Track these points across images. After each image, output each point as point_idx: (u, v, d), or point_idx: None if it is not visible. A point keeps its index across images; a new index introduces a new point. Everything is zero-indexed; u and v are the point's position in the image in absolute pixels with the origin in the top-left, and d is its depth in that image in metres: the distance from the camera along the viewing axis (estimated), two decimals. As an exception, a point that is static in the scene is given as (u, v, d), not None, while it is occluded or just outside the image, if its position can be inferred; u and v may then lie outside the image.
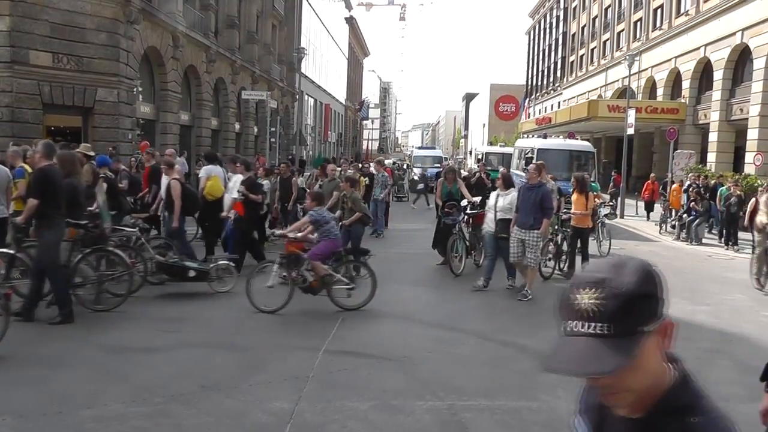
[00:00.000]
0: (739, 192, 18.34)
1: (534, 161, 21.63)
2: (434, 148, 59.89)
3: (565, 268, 12.96)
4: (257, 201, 12.31)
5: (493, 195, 11.79)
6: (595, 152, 24.61)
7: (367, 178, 18.55)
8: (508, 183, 11.59)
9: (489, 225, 11.43)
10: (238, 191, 12.02)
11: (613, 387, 1.42)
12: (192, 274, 9.98)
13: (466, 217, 13.00)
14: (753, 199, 17.11)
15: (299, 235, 9.57)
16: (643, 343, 1.37)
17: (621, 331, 1.34)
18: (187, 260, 10.36)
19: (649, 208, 26.32)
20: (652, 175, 27.83)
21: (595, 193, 20.88)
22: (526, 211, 10.60)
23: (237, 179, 12.53)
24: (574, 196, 13.33)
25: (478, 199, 18.87)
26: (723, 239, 19.02)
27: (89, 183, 10.01)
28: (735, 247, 18.12)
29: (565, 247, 13.24)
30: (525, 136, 50.45)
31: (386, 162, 56.44)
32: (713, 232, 20.82)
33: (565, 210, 13.80)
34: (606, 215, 16.41)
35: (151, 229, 12.15)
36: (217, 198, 12.83)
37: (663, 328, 1.43)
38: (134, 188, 13.42)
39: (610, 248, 15.78)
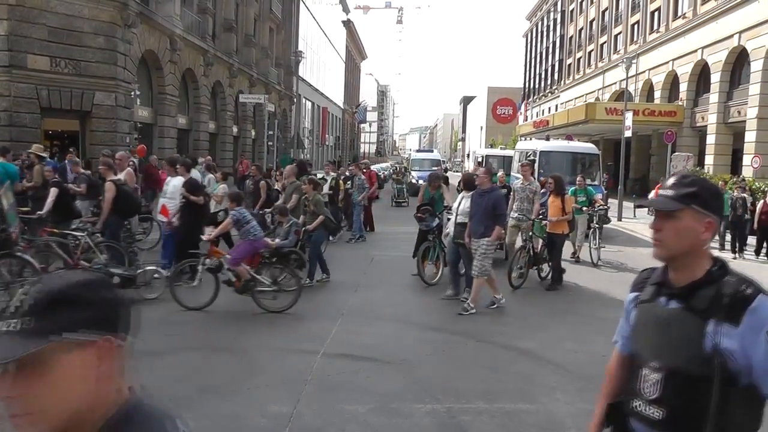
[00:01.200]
0: (744, 195, 17.69)
1: (537, 164, 21.10)
2: (432, 151, 59.32)
3: (548, 277, 12.24)
4: (198, 203, 11.46)
5: (458, 197, 11.33)
6: (600, 155, 23.37)
7: (349, 183, 18.27)
8: (469, 185, 10.83)
9: (449, 229, 11.14)
10: (180, 194, 11.54)
11: (11, 401, 1.23)
12: (116, 280, 9.33)
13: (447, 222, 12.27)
14: (762, 201, 17.03)
15: (212, 235, 9.66)
16: (58, 353, 1.23)
17: (29, 329, 1.22)
18: (113, 266, 9.85)
19: None
20: (662, 178, 26.19)
21: (599, 197, 20.61)
22: (478, 218, 9.89)
23: (176, 182, 11.96)
24: (549, 199, 12.53)
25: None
26: (730, 245, 17.88)
27: (37, 185, 9.94)
28: (741, 253, 17.45)
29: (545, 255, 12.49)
30: (522, 138, 50.33)
31: (384, 165, 56.60)
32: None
33: (540, 216, 12.87)
34: (598, 220, 15.51)
35: (102, 233, 11.66)
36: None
37: (99, 347, 1.30)
38: (94, 192, 12.76)
39: (599, 258, 15.03)
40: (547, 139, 25.82)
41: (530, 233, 12.50)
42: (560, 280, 12.07)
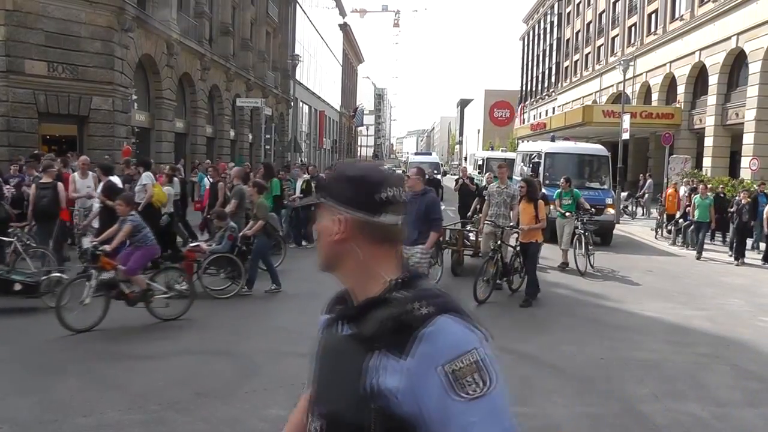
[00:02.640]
0: (749, 199, 17.27)
1: (542, 167, 20.45)
2: (430, 154, 58.55)
3: (520, 289, 11.24)
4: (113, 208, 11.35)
5: None
6: (609, 156, 21.64)
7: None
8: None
9: None
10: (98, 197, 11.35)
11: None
12: (18, 287, 8.93)
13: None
14: None
15: (113, 244, 8.58)
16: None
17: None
18: (15, 272, 9.39)
19: (671, 218, 21.55)
20: (674, 182, 24.29)
21: (610, 203, 19.52)
22: (411, 223, 8.70)
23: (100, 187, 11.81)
24: (521, 205, 11.39)
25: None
26: (733, 252, 17.19)
27: None
28: (743, 259, 16.64)
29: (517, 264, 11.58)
30: (519, 142, 50.29)
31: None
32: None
33: (509, 226, 11.84)
34: (585, 226, 14.51)
35: (33, 238, 11.39)
36: (164, 203, 12.70)
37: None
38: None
39: (587, 266, 14.20)
40: (553, 140, 24.19)
41: (499, 242, 11.32)
42: (535, 293, 10.95)
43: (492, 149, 64.50)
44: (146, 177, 12.74)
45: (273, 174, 14.80)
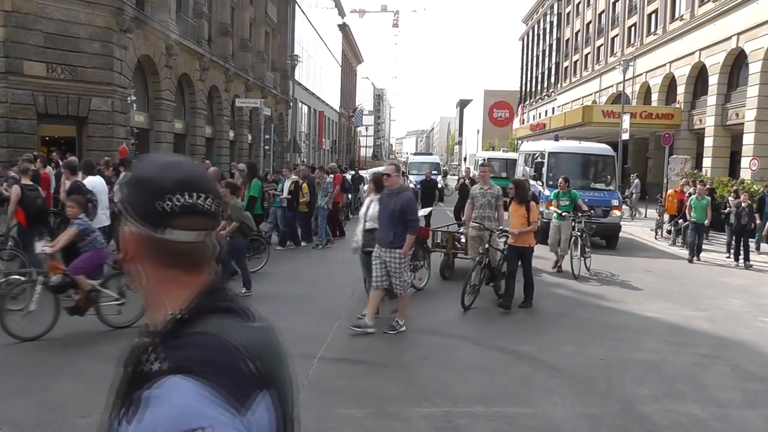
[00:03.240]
0: (749, 201, 17.03)
1: (545, 167, 19.73)
2: (431, 154, 57.93)
3: (506, 294, 10.50)
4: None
5: (366, 200, 10.43)
6: (615, 156, 20.83)
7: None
8: (379, 186, 9.54)
9: (357, 236, 9.92)
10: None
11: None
12: None
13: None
14: None
15: (55, 247, 8.23)
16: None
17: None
18: None
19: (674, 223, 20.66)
20: (681, 182, 23.36)
21: (616, 205, 18.70)
22: (385, 223, 8.59)
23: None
24: (511, 207, 10.74)
25: (426, 210, 17.16)
26: (733, 255, 16.84)
27: None
28: (747, 262, 16.26)
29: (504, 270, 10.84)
30: (519, 142, 50.23)
31: (381, 169, 56.09)
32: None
33: (499, 230, 11.23)
34: (583, 228, 14.19)
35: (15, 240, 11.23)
36: None
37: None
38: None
39: (581, 268, 13.83)
40: (556, 139, 23.33)
41: (487, 245, 10.77)
42: (532, 294, 10.67)
43: (493, 149, 64.13)
44: (89, 181, 12.52)
45: (256, 174, 14.52)
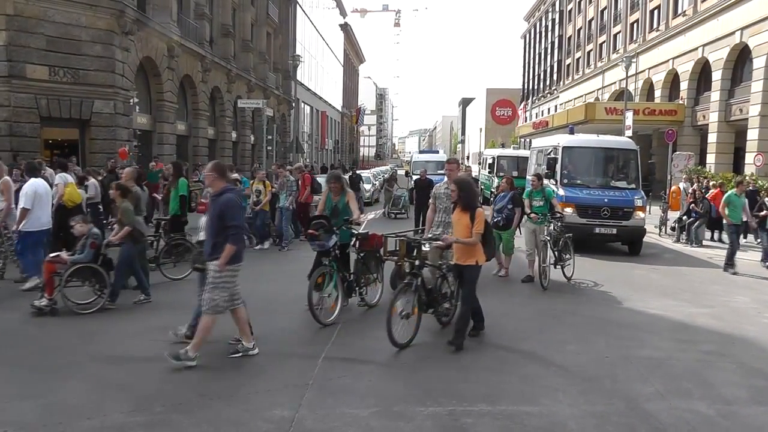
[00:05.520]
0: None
1: (559, 162, 17.62)
2: (437, 152, 53.54)
3: (451, 321, 8.65)
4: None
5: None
6: (638, 150, 18.53)
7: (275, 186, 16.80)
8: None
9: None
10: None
11: None
12: None
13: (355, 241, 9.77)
14: None
15: None
16: None
17: None
18: None
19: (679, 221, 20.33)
20: (684, 181, 22.73)
21: (639, 206, 16.65)
22: (208, 232, 7.25)
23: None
24: (454, 215, 8.20)
25: (368, 216, 16.25)
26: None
27: None
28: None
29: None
30: (522, 140, 50.11)
31: (383, 168, 55.93)
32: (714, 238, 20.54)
33: (427, 238, 9.08)
34: (553, 231, 12.46)
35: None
36: (77, 204, 12.71)
37: None
38: None
39: (549, 279, 12.07)
40: (572, 132, 21.28)
41: (443, 261, 8.78)
42: (479, 326, 8.59)
43: (503, 146, 63.33)
44: (59, 177, 12.93)
45: (182, 173, 14.29)
